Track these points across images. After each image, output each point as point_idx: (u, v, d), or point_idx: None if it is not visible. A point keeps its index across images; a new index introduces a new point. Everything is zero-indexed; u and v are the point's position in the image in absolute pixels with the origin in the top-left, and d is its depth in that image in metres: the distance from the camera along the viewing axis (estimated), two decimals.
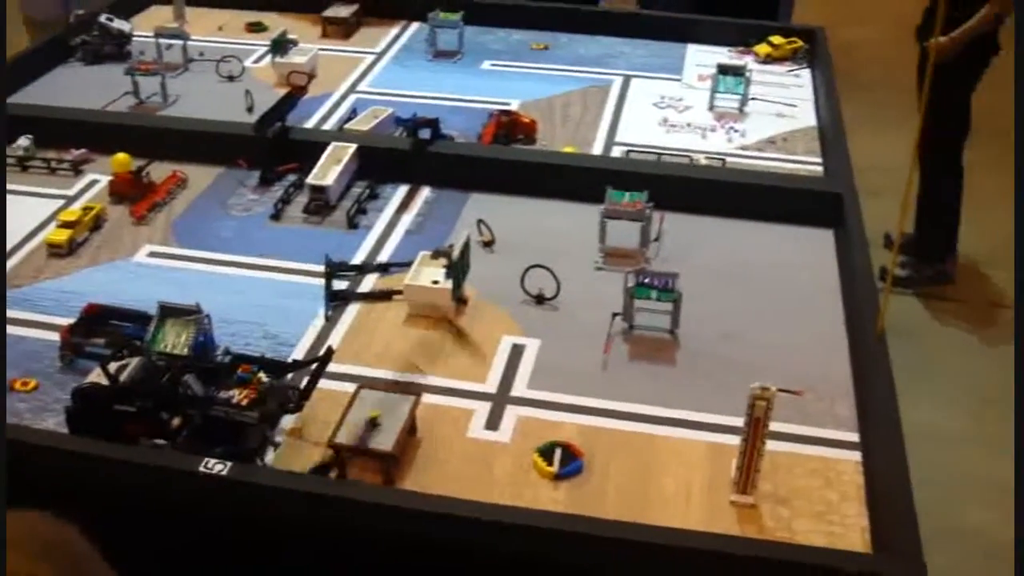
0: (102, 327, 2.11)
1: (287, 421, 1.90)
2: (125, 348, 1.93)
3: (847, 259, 2.42)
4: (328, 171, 2.66)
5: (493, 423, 1.94)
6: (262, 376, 1.90)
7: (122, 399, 1.80)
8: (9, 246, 2.46)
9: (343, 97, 3.29)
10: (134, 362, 1.86)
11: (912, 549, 1.58)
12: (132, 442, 1.77)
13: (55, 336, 2.13)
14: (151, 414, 1.80)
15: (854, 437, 1.94)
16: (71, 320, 2.13)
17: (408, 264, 2.31)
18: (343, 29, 3.78)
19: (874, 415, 1.91)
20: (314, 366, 1.94)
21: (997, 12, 4.01)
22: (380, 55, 3.63)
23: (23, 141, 2.83)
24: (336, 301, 2.28)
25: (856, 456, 1.89)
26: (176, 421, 1.81)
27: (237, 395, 1.84)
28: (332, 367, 2.02)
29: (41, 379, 2.02)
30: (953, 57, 4.01)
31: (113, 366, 1.83)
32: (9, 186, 2.69)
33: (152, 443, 1.78)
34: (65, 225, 2.47)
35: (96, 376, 1.83)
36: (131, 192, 2.64)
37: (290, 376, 1.97)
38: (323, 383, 1.96)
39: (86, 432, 1.81)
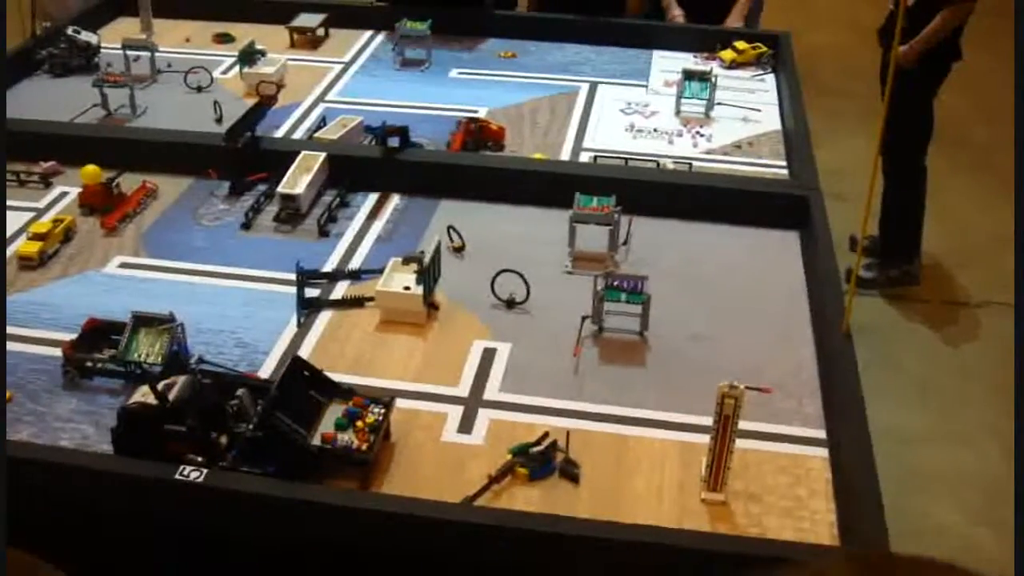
0: (104, 342, 2.11)
1: None
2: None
3: (813, 260, 2.46)
4: (298, 180, 2.67)
5: (466, 426, 1.96)
6: (373, 408, 1.87)
7: (172, 419, 1.78)
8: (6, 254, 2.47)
9: (312, 106, 3.31)
10: (181, 381, 1.84)
11: (879, 542, 1.61)
12: (178, 461, 1.75)
13: (28, 348, 2.15)
14: (200, 433, 1.78)
15: (821, 434, 1.97)
16: (56, 333, 2.15)
17: (379, 271, 2.33)
18: (310, 39, 3.80)
19: (841, 412, 1.95)
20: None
21: (952, 20, 4.08)
22: (348, 65, 3.64)
23: None
24: (308, 308, 2.29)
25: (824, 453, 1.92)
26: (223, 440, 1.81)
27: (354, 439, 1.81)
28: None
29: (15, 391, 2.02)
30: (915, 63, 4.07)
31: (161, 385, 1.81)
32: None
33: (198, 461, 1.76)
34: (36, 237, 2.47)
35: (142, 395, 1.81)
36: (101, 203, 2.65)
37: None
38: None
39: (131, 452, 1.79)
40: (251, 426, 1.79)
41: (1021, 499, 1.92)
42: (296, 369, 1.92)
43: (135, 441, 1.80)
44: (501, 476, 1.81)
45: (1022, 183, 2.58)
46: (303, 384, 1.91)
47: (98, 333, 2.12)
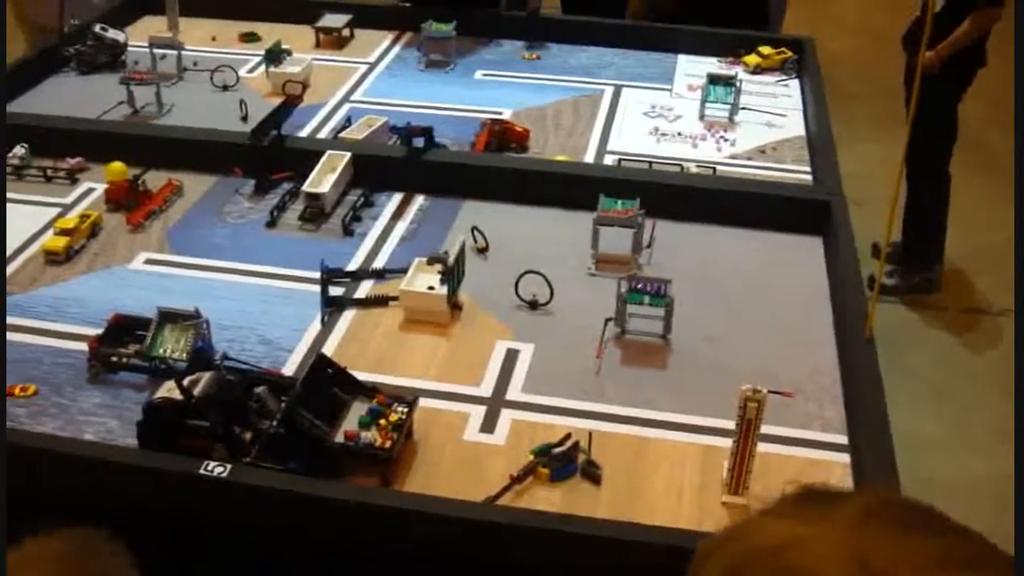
0: (129, 337, 2.12)
1: None
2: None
3: (836, 266, 2.45)
4: (323, 179, 2.68)
5: (488, 426, 1.97)
6: (396, 407, 1.88)
7: (196, 414, 1.79)
8: (6, 253, 2.48)
9: (337, 106, 3.32)
10: (206, 377, 1.85)
11: None
12: (202, 456, 1.76)
13: (54, 342, 2.17)
14: (224, 429, 1.80)
15: (842, 439, 1.97)
16: (81, 328, 2.17)
17: (403, 270, 2.34)
18: (336, 39, 3.81)
19: (863, 418, 1.94)
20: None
21: (980, 26, 4.07)
22: (373, 65, 3.65)
23: (18, 150, 2.84)
24: (332, 307, 2.30)
25: (845, 458, 1.92)
26: (247, 436, 1.82)
27: (376, 437, 1.81)
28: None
29: (39, 384, 2.04)
30: (940, 69, 4.06)
31: (186, 380, 1.82)
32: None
33: (224, 457, 1.78)
34: (62, 232, 2.48)
35: (168, 391, 1.82)
36: (127, 200, 2.66)
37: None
38: None
39: (156, 446, 1.81)
40: (274, 423, 1.80)
41: (1021, 499, 1.92)
42: (320, 367, 1.93)
43: (159, 435, 1.81)
44: (523, 476, 1.82)
45: (1022, 183, 2.57)
46: (327, 382, 1.92)
47: (123, 328, 2.14)
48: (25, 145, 2.86)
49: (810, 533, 0.75)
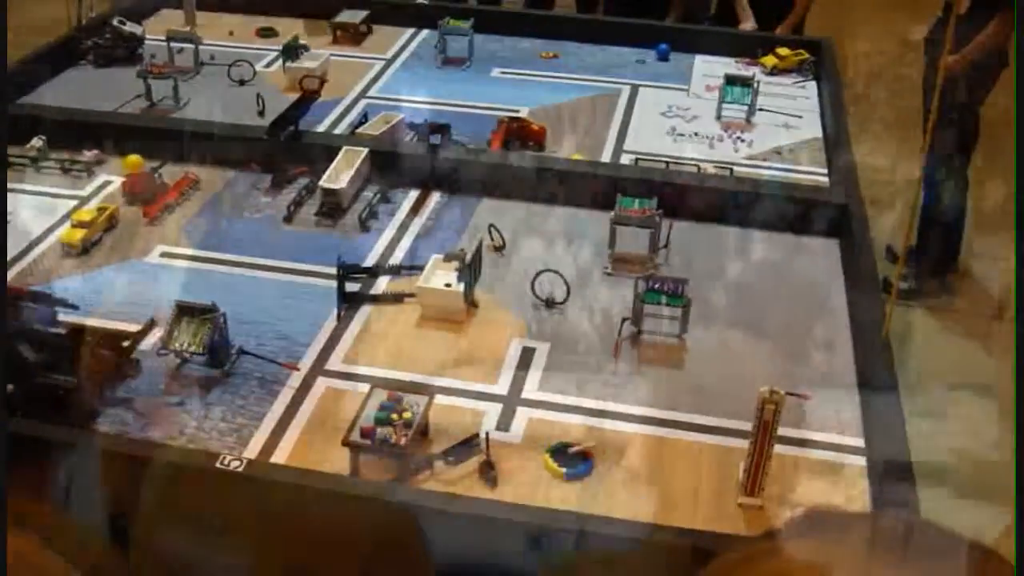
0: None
1: (301, 421, 1.94)
2: None
3: (852, 268, 2.45)
4: (340, 175, 2.68)
5: (504, 424, 1.97)
6: (410, 403, 1.87)
7: None
8: (22, 245, 2.48)
9: (353, 102, 3.32)
10: None
11: None
12: None
13: None
14: None
15: (859, 442, 1.96)
16: (96, 320, 2.16)
17: (420, 267, 2.33)
18: (353, 35, 3.81)
19: (879, 421, 1.94)
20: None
21: (1009, 27, 4.04)
22: (390, 61, 3.65)
23: (36, 142, 2.85)
24: (348, 303, 2.30)
25: (861, 460, 1.92)
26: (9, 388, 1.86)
27: (392, 433, 1.82)
28: (345, 367, 2.07)
29: None
30: (963, 71, 4.03)
31: None
32: (22, 186, 2.72)
33: None
34: (79, 225, 2.49)
35: None
36: (144, 193, 2.67)
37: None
38: (337, 383, 2.04)
39: None
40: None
41: (1021, 499, 1.91)
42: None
43: None
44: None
45: (1021, 183, 2.57)
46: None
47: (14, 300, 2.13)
48: (43, 137, 2.86)
49: (818, 564, 0.76)
